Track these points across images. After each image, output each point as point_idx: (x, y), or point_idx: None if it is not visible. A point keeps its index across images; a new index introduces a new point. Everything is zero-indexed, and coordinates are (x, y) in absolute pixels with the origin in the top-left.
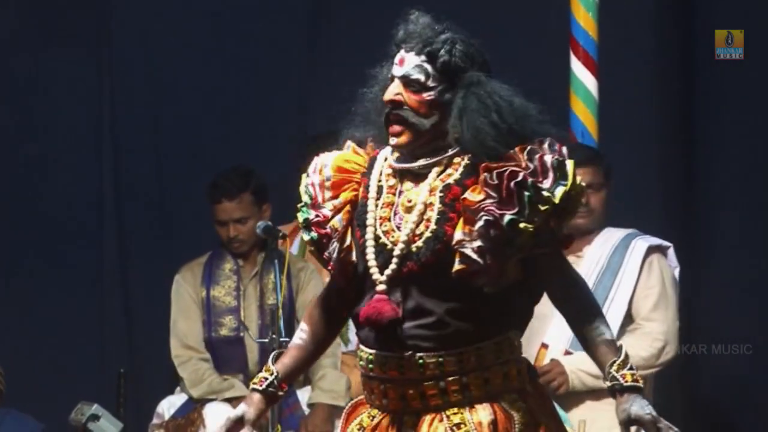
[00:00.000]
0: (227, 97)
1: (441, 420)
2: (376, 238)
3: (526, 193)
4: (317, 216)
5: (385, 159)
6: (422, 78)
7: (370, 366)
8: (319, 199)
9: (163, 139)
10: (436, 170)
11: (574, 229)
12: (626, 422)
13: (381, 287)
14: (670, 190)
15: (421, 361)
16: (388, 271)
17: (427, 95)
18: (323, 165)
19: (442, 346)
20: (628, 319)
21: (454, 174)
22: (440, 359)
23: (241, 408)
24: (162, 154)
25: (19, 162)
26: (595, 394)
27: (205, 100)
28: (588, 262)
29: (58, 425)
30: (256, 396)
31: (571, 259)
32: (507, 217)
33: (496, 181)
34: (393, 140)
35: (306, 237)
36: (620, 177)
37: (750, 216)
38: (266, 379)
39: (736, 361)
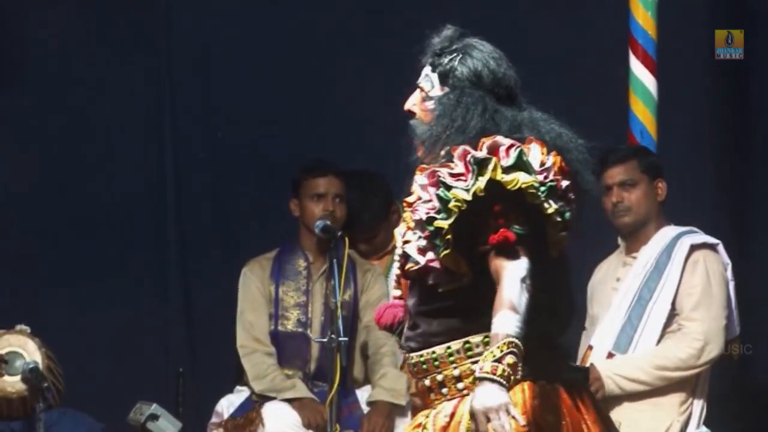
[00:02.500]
0: (287, 92)
1: (436, 413)
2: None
3: (441, 192)
4: None
5: None
6: (427, 87)
7: None
8: None
9: (225, 133)
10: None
11: (619, 228)
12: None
13: (395, 292)
14: (725, 187)
15: (411, 361)
16: (397, 273)
17: (430, 104)
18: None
19: (421, 346)
20: (672, 318)
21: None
22: (421, 359)
23: None
24: (222, 150)
25: (79, 163)
26: (634, 396)
27: (265, 93)
28: (640, 262)
29: (118, 425)
30: None
31: (627, 260)
32: (425, 215)
33: (425, 182)
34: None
35: None
36: (678, 175)
37: None
38: None
39: None
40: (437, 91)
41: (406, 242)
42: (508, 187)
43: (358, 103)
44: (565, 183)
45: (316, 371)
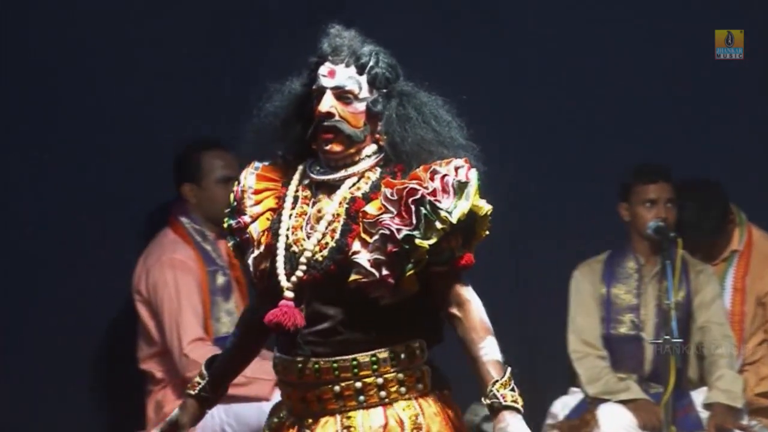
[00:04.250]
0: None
1: (335, 422)
2: (287, 246)
3: (423, 211)
4: (238, 222)
5: (304, 171)
6: (356, 89)
7: (277, 369)
8: (243, 206)
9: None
10: (348, 182)
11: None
12: None
13: (288, 293)
14: None
15: (317, 365)
16: (293, 278)
17: (360, 106)
18: (249, 174)
19: (336, 352)
20: None
21: (363, 187)
22: (334, 364)
23: (175, 413)
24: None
25: None
26: None
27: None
28: None
29: None
30: (190, 401)
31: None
32: (403, 233)
33: (395, 197)
34: (326, 146)
35: (229, 242)
36: None
37: None
38: (199, 383)
39: None
40: (366, 93)
41: (354, 254)
42: (480, 213)
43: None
44: None
45: (651, 373)
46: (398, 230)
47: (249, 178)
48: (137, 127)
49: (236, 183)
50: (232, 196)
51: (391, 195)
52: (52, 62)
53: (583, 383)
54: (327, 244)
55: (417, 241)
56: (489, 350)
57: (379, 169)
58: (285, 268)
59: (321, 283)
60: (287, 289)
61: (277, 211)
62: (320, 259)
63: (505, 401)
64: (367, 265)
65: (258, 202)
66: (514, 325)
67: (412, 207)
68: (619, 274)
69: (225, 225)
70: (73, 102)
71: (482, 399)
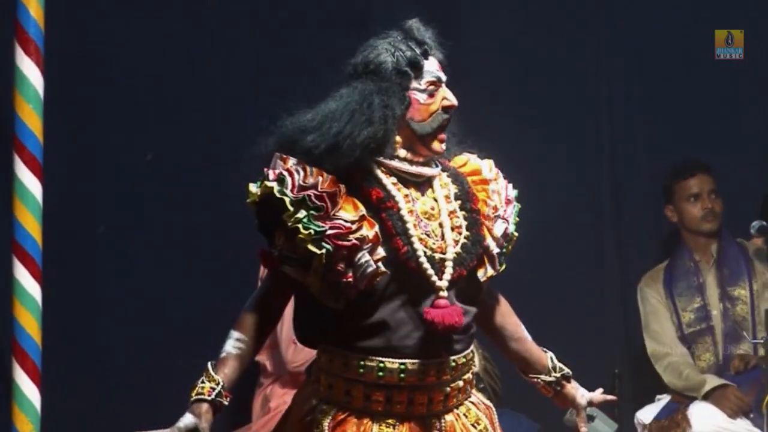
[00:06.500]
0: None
1: (459, 417)
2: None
3: (516, 204)
4: (334, 228)
5: (378, 167)
6: None
7: (402, 375)
8: (330, 211)
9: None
10: (438, 178)
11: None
12: (587, 404)
13: (444, 293)
14: None
15: (454, 363)
16: (447, 276)
17: None
18: (318, 176)
19: (465, 347)
20: None
21: (449, 182)
22: (464, 359)
23: (192, 420)
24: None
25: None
26: None
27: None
28: None
29: (554, 425)
30: (205, 406)
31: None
32: (512, 226)
33: (502, 191)
34: (441, 146)
35: (318, 250)
36: None
37: None
38: (213, 389)
39: None
40: None
41: (488, 246)
42: None
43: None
44: None
45: (725, 356)
46: (511, 224)
47: (324, 179)
48: None
49: (297, 184)
50: (294, 198)
51: (497, 190)
52: None
53: (666, 382)
54: (458, 240)
55: (513, 232)
56: (526, 331)
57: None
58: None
59: (464, 280)
60: (444, 288)
61: (379, 210)
62: (460, 255)
63: (569, 371)
64: (496, 260)
65: (341, 207)
66: (618, 324)
67: (512, 200)
68: (679, 274)
69: (305, 230)
70: None
71: (537, 373)
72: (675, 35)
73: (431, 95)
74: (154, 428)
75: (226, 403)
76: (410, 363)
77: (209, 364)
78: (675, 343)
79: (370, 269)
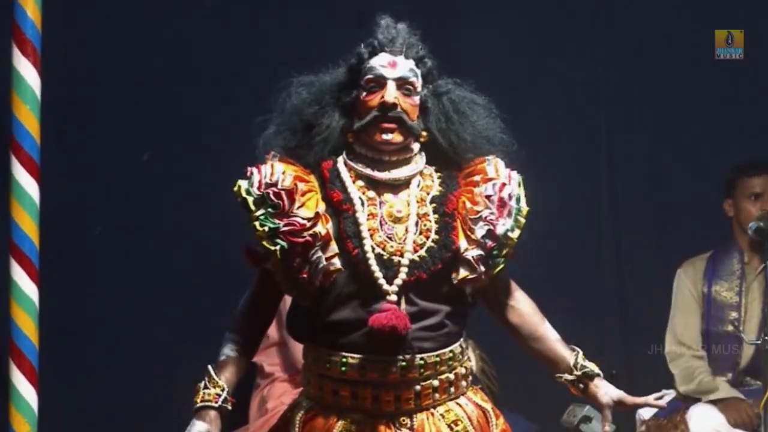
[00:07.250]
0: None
1: (433, 416)
2: (371, 248)
3: (515, 205)
4: (289, 225)
5: (348, 170)
6: (416, 82)
7: (362, 371)
8: (285, 208)
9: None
10: (416, 180)
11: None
12: (613, 403)
13: (392, 297)
14: None
15: (422, 361)
16: (398, 281)
17: (417, 99)
18: (281, 173)
19: (439, 346)
20: None
21: (434, 185)
22: (437, 358)
23: (204, 427)
24: (657, 147)
25: None
26: None
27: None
28: None
29: (551, 426)
30: (213, 413)
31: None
32: (504, 227)
33: (490, 193)
34: (388, 136)
35: (272, 247)
36: None
37: None
38: (219, 395)
39: None
40: (419, 87)
41: (459, 249)
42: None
43: None
44: None
45: (747, 368)
46: (500, 226)
47: (285, 177)
48: None
49: (263, 182)
50: (257, 196)
51: (486, 191)
52: None
53: (677, 382)
54: (423, 244)
55: (511, 234)
56: (552, 330)
57: (430, 167)
58: (381, 272)
59: (424, 282)
60: (393, 292)
61: (338, 212)
62: (419, 259)
63: (596, 370)
64: (474, 262)
65: (302, 204)
66: (616, 324)
67: (507, 201)
68: (722, 271)
69: (261, 227)
70: None
71: (562, 372)
72: (675, 35)
73: (371, 92)
74: None
75: (230, 408)
76: (371, 359)
77: (210, 368)
78: (696, 342)
79: (321, 265)
